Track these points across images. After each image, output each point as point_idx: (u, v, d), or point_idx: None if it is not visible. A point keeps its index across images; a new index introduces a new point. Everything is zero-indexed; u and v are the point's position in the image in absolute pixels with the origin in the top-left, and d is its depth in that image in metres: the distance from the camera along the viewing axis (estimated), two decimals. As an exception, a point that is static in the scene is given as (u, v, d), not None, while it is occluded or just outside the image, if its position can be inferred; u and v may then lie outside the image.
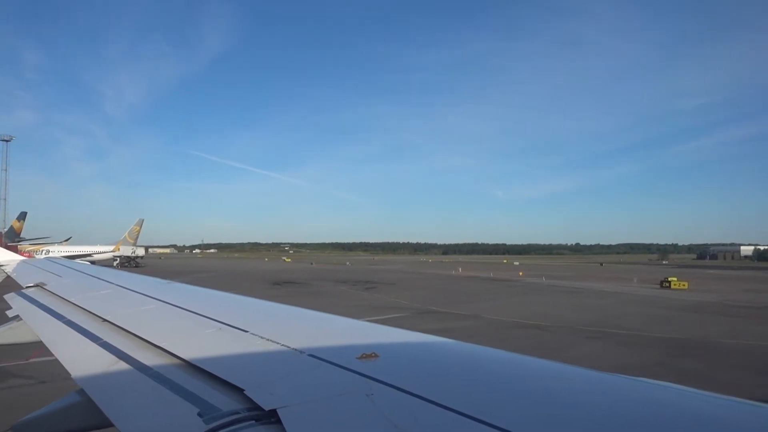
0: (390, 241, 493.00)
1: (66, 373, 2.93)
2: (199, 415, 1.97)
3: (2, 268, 9.82)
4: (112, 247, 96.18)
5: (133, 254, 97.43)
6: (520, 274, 79.43)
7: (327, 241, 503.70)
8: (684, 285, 55.46)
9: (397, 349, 2.62)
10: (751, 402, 1.79)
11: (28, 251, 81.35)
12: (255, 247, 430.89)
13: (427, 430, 1.61)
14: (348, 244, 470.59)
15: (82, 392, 2.68)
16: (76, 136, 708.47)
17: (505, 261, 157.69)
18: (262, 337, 2.82)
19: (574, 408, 1.76)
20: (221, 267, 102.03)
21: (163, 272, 71.58)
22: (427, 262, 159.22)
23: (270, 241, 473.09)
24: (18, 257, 11.16)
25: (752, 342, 24.04)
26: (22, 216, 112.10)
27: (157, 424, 2.14)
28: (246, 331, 3.00)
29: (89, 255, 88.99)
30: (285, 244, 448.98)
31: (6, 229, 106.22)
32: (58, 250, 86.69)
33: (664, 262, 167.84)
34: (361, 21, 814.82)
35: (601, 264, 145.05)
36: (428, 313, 32.99)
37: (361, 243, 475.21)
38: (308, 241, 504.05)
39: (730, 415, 1.74)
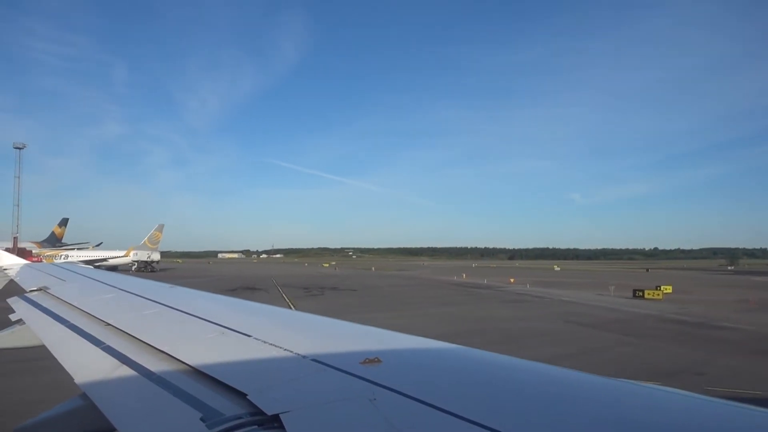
0: (457, 246, 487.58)
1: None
2: (202, 419, 1.96)
3: (6, 272, 9.83)
4: (127, 252, 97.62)
5: (148, 258, 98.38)
6: (511, 281, 75.79)
7: (394, 246, 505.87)
8: (659, 295, 48.76)
9: (401, 354, 2.59)
10: (752, 407, 1.77)
11: (47, 256, 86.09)
12: (323, 251, 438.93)
13: None
14: (414, 249, 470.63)
15: (84, 396, 2.68)
16: (160, 146, 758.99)
17: (556, 267, 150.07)
18: (265, 342, 2.81)
19: (578, 413, 1.74)
20: (231, 272, 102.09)
21: (158, 277, 73.09)
22: (463, 267, 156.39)
23: (339, 246, 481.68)
24: (21, 261, 11.17)
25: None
26: (64, 222, 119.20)
27: (159, 428, 2.13)
28: (249, 336, 2.99)
29: (105, 260, 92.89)
30: (349, 249, 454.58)
31: (47, 235, 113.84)
32: (77, 256, 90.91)
33: (729, 268, 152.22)
34: (432, 24, 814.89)
35: (647, 270, 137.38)
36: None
37: (428, 248, 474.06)
38: (376, 246, 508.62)
39: (732, 419, 1.72)
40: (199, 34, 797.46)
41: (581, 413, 1.74)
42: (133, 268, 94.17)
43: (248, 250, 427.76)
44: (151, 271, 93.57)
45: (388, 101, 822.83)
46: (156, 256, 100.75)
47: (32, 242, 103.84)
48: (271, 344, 2.75)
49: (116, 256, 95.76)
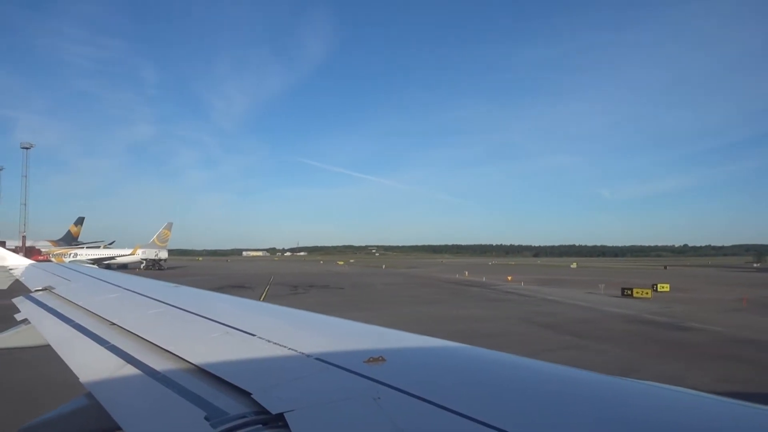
0: (482, 243, 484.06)
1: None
2: (207, 418, 1.96)
3: (11, 271, 9.86)
4: (137, 251, 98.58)
5: (156, 257, 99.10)
6: (509, 279, 74.22)
7: (419, 243, 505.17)
8: (648, 294, 45.67)
9: (404, 353, 2.59)
10: (755, 405, 1.76)
11: (57, 254, 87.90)
12: (347, 249, 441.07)
13: None
14: (438, 246, 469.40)
15: (90, 396, 2.68)
16: (189, 146, 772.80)
17: (573, 265, 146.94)
18: (269, 341, 2.81)
19: (583, 412, 1.73)
20: (238, 270, 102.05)
21: (159, 275, 73.82)
22: (478, 264, 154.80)
23: (364, 244, 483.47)
24: (27, 261, 11.21)
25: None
26: (80, 221, 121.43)
27: (164, 427, 2.14)
28: (253, 335, 2.99)
29: (113, 258, 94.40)
30: (373, 246, 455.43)
31: (64, 234, 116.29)
32: (86, 254, 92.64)
33: (755, 265, 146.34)
34: (457, 21, 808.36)
35: (665, 267, 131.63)
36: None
37: (452, 245, 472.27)
38: (401, 244, 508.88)
39: (734, 417, 1.71)
40: (226, 35, 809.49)
41: (586, 412, 1.73)
42: (141, 267, 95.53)
43: (274, 248, 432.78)
44: (159, 269, 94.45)
45: (414, 99, 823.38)
46: (163, 255, 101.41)
47: (48, 241, 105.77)
48: (275, 343, 2.75)
49: (123, 254, 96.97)
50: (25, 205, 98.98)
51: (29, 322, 4.92)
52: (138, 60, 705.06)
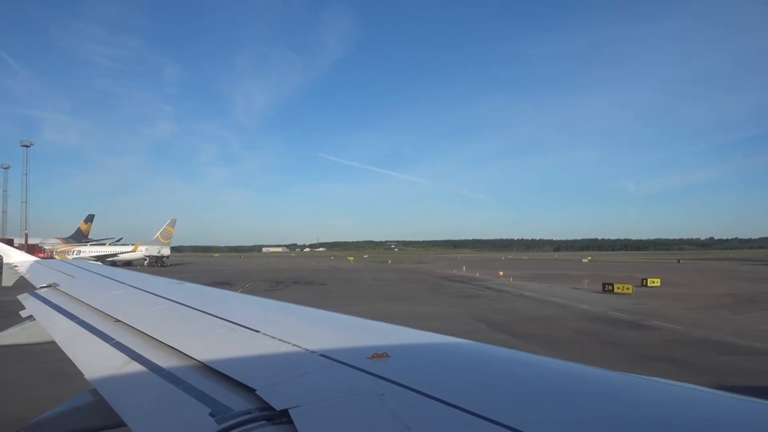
0: (503, 238, 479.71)
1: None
2: (211, 415, 1.96)
3: (16, 269, 9.89)
4: (139, 248, 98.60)
5: (158, 254, 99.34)
6: (500, 274, 72.37)
7: (439, 238, 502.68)
8: (629, 290, 42.92)
9: (409, 349, 2.59)
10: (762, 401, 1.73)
11: (60, 252, 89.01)
12: (366, 245, 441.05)
13: (438, 431, 1.59)
14: (458, 241, 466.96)
15: (94, 392, 2.70)
16: (210, 143, 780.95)
17: (584, 259, 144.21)
18: (273, 337, 2.80)
19: (587, 408, 1.73)
20: (240, 267, 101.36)
21: (154, 272, 74.23)
22: (490, 259, 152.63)
23: (384, 240, 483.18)
24: (31, 258, 11.23)
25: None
26: (90, 218, 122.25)
27: (169, 424, 2.15)
28: (257, 331, 2.98)
29: (115, 255, 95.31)
30: (391, 242, 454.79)
31: (73, 231, 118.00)
32: (89, 251, 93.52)
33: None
34: (474, 15, 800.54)
35: (678, 261, 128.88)
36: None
37: (473, 240, 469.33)
38: (421, 239, 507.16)
39: (741, 413, 1.71)
40: (245, 32, 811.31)
41: (591, 408, 1.72)
42: (145, 263, 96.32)
43: (294, 244, 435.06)
44: (161, 266, 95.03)
45: (434, 93, 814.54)
46: (166, 251, 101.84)
47: (58, 238, 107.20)
48: (279, 340, 2.74)
49: (125, 251, 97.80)
50: (25, 203, 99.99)
51: (34, 319, 4.94)
52: (158, 58, 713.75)
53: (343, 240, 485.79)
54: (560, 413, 1.66)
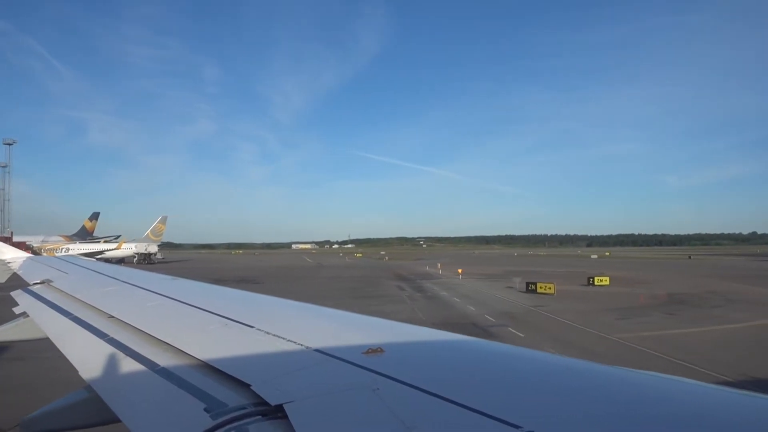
0: (536, 233, 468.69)
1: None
2: (206, 410, 1.96)
3: (9, 265, 9.77)
4: (128, 245, 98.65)
5: (146, 251, 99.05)
6: (459, 271, 68.92)
7: (472, 234, 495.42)
8: (551, 289, 40.41)
9: (403, 344, 2.58)
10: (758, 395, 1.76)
11: (48, 249, 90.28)
12: (397, 241, 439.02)
13: (432, 425, 1.59)
14: (490, 237, 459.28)
15: (89, 388, 2.69)
16: (247, 142, 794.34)
17: (593, 255, 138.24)
18: (268, 333, 2.79)
19: (583, 403, 1.73)
20: (244, 264, 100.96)
21: (148, 269, 73.96)
22: (503, 255, 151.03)
23: (415, 236, 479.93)
24: (24, 254, 11.16)
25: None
26: (95, 216, 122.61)
27: (164, 419, 2.15)
28: (252, 327, 2.96)
29: (102, 252, 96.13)
30: (422, 238, 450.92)
31: (78, 229, 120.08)
32: (77, 249, 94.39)
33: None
34: (509, 8, 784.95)
35: (690, 257, 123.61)
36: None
37: (505, 236, 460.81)
38: (454, 235, 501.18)
39: (743, 408, 1.71)
40: (282, 30, 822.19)
41: (587, 403, 1.72)
42: (135, 260, 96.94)
43: (327, 241, 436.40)
44: (150, 263, 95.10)
45: (468, 88, 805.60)
46: (153, 248, 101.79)
47: (61, 236, 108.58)
48: (274, 335, 2.72)
49: (111, 249, 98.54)
50: (8, 200, 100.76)
51: (28, 315, 4.88)
52: (198, 58, 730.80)
53: (375, 236, 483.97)
54: (555, 407, 1.66)
